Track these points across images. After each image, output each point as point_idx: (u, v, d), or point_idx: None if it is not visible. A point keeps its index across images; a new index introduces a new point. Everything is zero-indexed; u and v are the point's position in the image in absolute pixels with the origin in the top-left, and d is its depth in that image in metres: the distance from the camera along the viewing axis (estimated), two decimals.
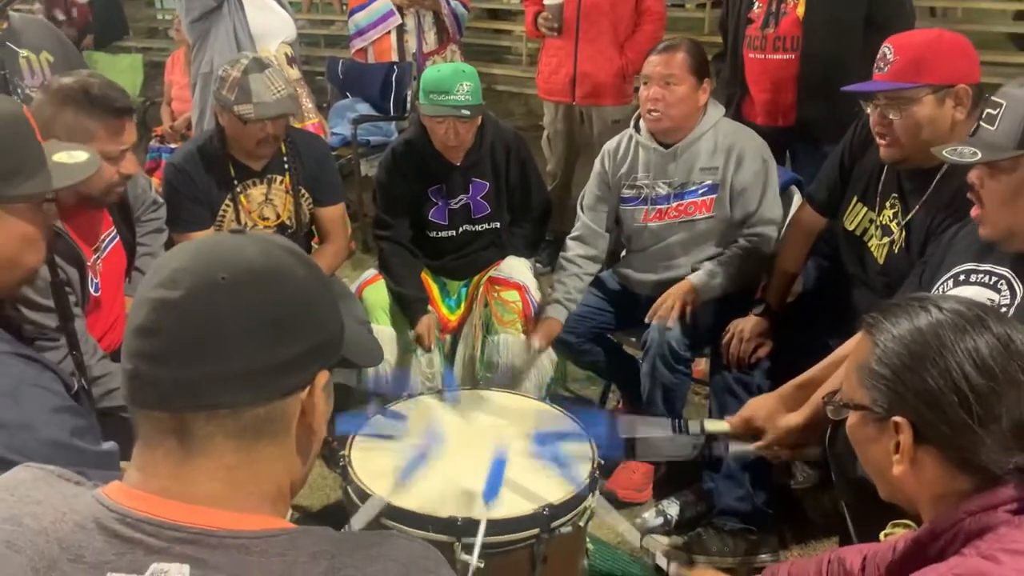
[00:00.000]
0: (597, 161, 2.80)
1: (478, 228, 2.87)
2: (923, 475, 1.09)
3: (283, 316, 0.83)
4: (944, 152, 1.65)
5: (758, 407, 1.96)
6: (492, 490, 1.70)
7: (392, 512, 1.71)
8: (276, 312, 0.83)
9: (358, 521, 1.69)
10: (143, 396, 0.82)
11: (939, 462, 1.07)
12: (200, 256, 0.85)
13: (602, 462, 1.88)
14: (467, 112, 2.60)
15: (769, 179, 2.58)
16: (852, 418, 1.17)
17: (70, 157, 1.52)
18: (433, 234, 2.87)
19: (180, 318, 0.81)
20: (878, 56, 2.09)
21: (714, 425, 2.03)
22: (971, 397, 1.03)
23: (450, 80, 2.60)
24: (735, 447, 1.99)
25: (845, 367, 1.22)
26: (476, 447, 1.88)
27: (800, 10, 2.99)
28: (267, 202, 2.75)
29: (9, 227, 1.36)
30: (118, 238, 2.17)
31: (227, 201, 2.70)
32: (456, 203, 2.83)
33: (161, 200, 2.47)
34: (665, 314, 2.48)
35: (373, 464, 1.85)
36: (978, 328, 1.06)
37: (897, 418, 1.08)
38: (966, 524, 1.04)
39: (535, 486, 1.79)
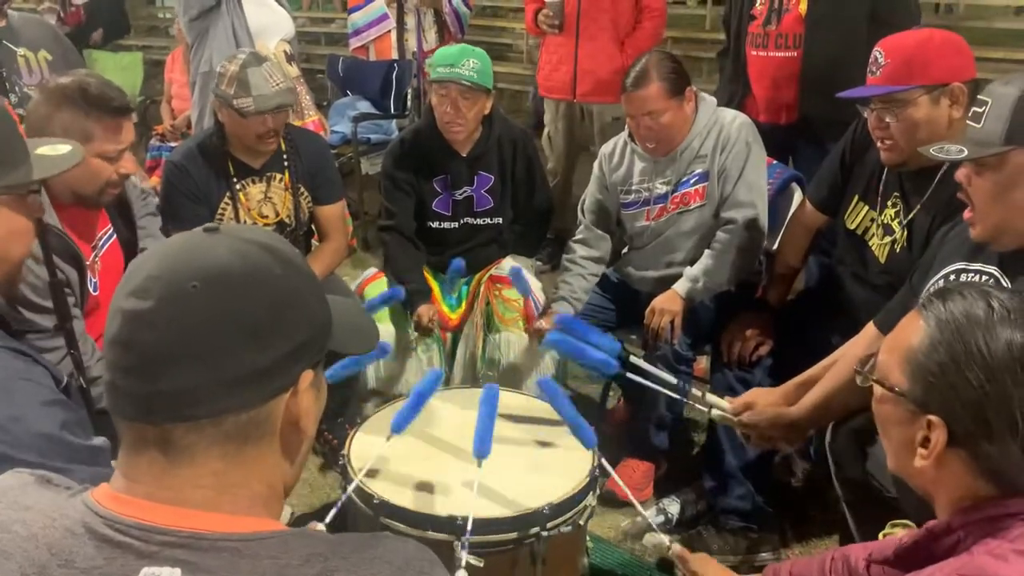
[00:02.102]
0: (595, 164, 2.80)
1: (479, 222, 2.87)
2: (945, 474, 1.06)
3: (259, 321, 0.81)
4: (931, 150, 1.64)
5: (760, 395, 1.98)
6: (483, 441, 1.68)
7: (391, 511, 1.71)
8: (251, 318, 0.80)
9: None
10: (122, 407, 0.81)
11: (967, 467, 1.05)
12: (172, 262, 0.82)
13: (601, 460, 1.88)
14: (467, 84, 2.61)
15: (749, 162, 2.53)
16: (881, 393, 1.13)
17: (53, 150, 1.52)
18: (436, 224, 2.86)
19: (152, 331, 0.79)
20: (870, 60, 2.08)
21: (716, 399, 2.04)
22: (1018, 414, 1.00)
23: (458, 55, 2.64)
24: (716, 411, 2.02)
25: (892, 338, 1.15)
26: (471, 440, 1.87)
27: (802, 7, 2.96)
28: (266, 200, 2.75)
29: None
30: (115, 236, 2.16)
31: (226, 199, 2.70)
32: (460, 195, 2.82)
33: (147, 188, 2.47)
34: (664, 335, 2.48)
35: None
36: None
37: (932, 418, 1.04)
38: (982, 524, 1.02)
39: (535, 484, 1.79)
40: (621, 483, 1.88)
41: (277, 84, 2.56)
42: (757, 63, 3.11)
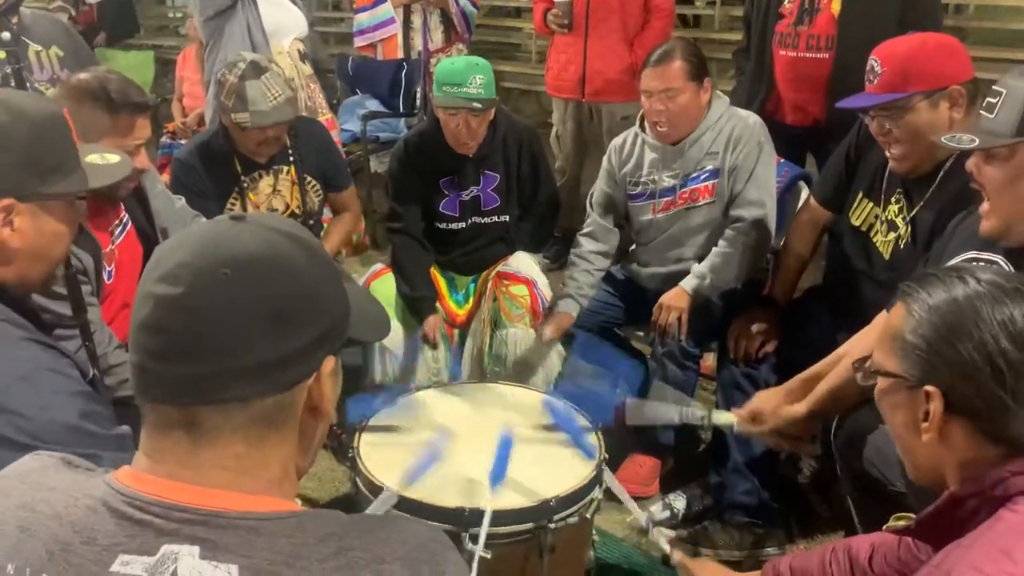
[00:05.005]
0: (604, 158, 2.82)
1: (486, 220, 2.89)
2: (951, 443, 1.10)
3: (287, 308, 0.83)
4: (943, 139, 1.66)
5: (765, 400, 1.99)
6: (498, 474, 1.71)
7: (400, 503, 1.73)
8: (280, 305, 0.83)
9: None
10: (151, 390, 0.83)
11: (968, 432, 1.08)
12: (201, 249, 0.84)
13: (607, 457, 1.89)
14: (479, 105, 2.61)
15: (760, 161, 2.55)
16: (881, 384, 1.18)
17: (103, 159, 1.57)
18: (443, 225, 2.88)
19: (184, 316, 0.80)
20: (867, 68, 2.09)
21: (721, 417, 2.04)
22: (1006, 370, 1.04)
23: (463, 73, 2.62)
24: (716, 417, 2.03)
25: (878, 334, 1.23)
26: (482, 438, 1.89)
27: (835, 7, 2.91)
28: (275, 193, 2.78)
29: (43, 223, 1.39)
30: (131, 224, 2.19)
31: (234, 194, 2.73)
32: (467, 195, 2.84)
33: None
34: (672, 332, 2.50)
35: (382, 457, 1.87)
36: (1016, 299, 1.07)
37: (928, 387, 1.09)
38: (1009, 482, 1.04)
39: (542, 477, 1.80)
40: (619, 488, 1.89)
41: (275, 98, 2.55)
42: (785, 63, 3.05)
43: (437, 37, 4.72)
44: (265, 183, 2.76)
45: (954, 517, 1.09)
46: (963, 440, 1.09)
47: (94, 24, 7.63)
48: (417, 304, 2.78)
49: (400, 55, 4.77)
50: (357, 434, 1.96)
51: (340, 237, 2.96)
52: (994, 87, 1.60)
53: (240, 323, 0.81)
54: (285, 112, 2.61)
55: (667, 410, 2.07)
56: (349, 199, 3.01)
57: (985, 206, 1.64)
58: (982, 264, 1.65)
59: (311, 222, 2.86)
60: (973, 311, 1.07)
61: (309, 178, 2.81)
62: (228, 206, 2.73)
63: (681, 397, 2.15)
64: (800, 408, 1.88)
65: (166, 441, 0.84)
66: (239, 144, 2.70)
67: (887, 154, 2.14)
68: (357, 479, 1.85)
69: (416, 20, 4.69)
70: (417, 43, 4.72)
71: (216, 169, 2.70)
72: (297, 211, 2.81)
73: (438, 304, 2.84)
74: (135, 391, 0.85)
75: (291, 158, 2.78)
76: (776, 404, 1.96)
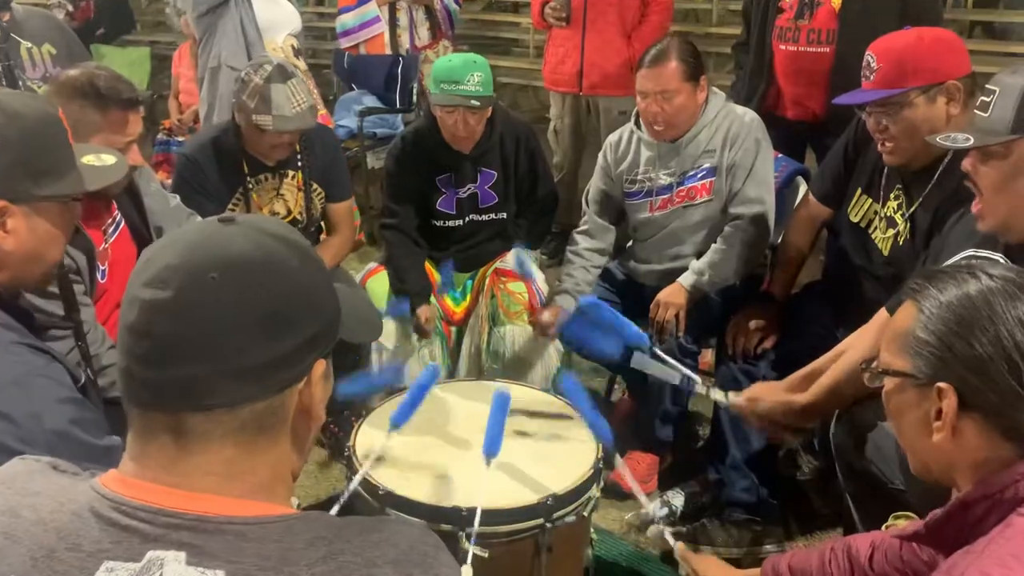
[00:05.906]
0: (600, 155, 2.80)
1: (484, 218, 2.87)
2: (963, 442, 1.08)
3: (276, 312, 0.82)
4: (938, 139, 1.66)
5: (763, 390, 1.98)
6: (493, 442, 1.69)
7: (396, 502, 1.72)
8: (269, 308, 0.81)
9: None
10: (137, 394, 0.82)
11: (982, 430, 1.07)
12: (190, 252, 0.82)
13: (604, 454, 1.88)
14: (477, 102, 2.60)
15: (758, 158, 2.54)
16: (889, 384, 1.17)
17: (98, 159, 1.56)
18: (440, 223, 2.87)
19: (171, 320, 0.79)
20: (863, 64, 2.08)
21: (720, 396, 2.04)
22: (1021, 364, 1.03)
23: (461, 70, 2.60)
24: (716, 393, 2.05)
25: (885, 333, 1.21)
26: (478, 434, 1.87)
27: (836, 1, 2.90)
28: (278, 197, 2.76)
29: (36, 225, 1.38)
30: (123, 223, 2.17)
31: (237, 195, 2.70)
32: (464, 192, 2.83)
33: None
34: (669, 330, 2.49)
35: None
36: None
37: (941, 384, 1.08)
38: (1020, 485, 1.03)
39: (539, 475, 1.79)
40: (631, 479, 1.88)
41: (299, 105, 2.53)
42: (785, 57, 3.04)
43: (424, 34, 4.74)
44: (269, 185, 2.73)
45: (963, 522, 1.08)
46: (976, 438, 1.07)
47: (91, 20, 7.60)
48: (410, 300, 2.76)
49: (388, 52, 4.76)
50: (353, 432, 1.95)
51: (328, 262, 2.79)
52: (987, 86, 1.60)
53: (228, 327, 0.79)
54: (307, 120, 2.59)
55: (672, 369, 2.09)
56: (344, 214, 2.92)
57: (977, 205, 1.62)
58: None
59: (312, 229, 2.84)
60: (987, 306, 1.06)
61: (314, 185, 2.79)
62: (231, 206, 2.70)
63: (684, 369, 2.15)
64: (801, 399, 1.87)
65: (152, 446, 0.82)
66: (250, 145, 2.67)
67: (881, 149, 2.12)
68: (352, 476, 1.84)
69: (403, 18, 4.70)
70: (404, 40, 4.72)
71: (224, 167, 2.67)
72: (299, 217, 2.78)
73: (433, 299, 2.83)
74: (122, 396, 0.83)
75: (300, 163, 2.75)
76: (775, 393, 1.96)
